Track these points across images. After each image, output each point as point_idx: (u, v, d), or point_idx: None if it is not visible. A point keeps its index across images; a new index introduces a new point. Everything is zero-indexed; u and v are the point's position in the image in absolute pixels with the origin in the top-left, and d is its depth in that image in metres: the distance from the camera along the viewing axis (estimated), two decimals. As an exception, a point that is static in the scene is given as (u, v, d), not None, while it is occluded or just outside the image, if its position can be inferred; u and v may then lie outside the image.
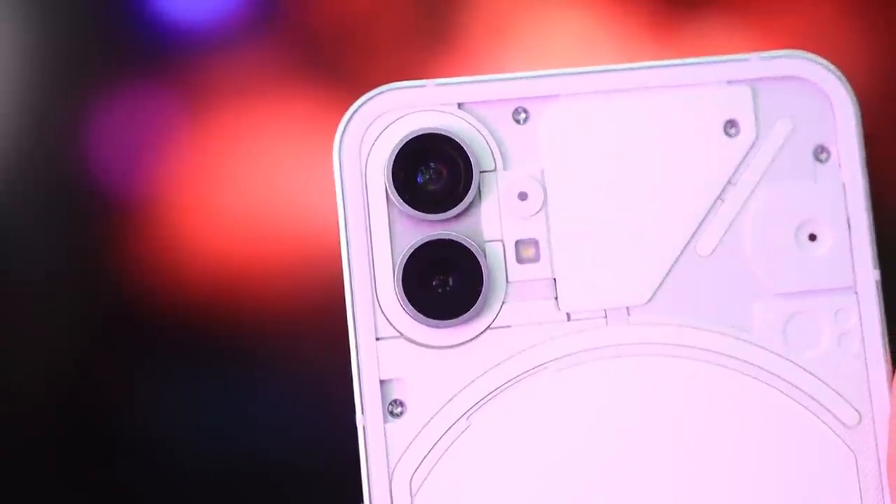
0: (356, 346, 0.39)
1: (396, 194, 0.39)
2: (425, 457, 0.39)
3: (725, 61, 0.41)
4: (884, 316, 0.41)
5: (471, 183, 0.40)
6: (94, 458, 0.88)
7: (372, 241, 0.39)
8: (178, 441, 0.89)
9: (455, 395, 0.39)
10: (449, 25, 0.89)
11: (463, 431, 0.39)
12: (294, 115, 0.87)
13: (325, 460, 0.86)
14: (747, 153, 0.41)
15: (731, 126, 0.41)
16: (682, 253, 0.40)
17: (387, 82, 0.40)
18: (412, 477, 0.39)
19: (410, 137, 0.39)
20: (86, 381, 0.88)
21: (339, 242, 0.39)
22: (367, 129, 0.40)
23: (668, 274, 0.40)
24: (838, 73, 0.41)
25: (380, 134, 0.40)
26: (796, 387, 0.40)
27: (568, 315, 0.40)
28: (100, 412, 0.88)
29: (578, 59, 0.87)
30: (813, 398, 0.40)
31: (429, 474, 0.39)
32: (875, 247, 0.41)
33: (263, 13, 0.91)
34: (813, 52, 0.41)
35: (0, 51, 0.88)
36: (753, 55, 0.41)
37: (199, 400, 0.89)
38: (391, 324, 0.39)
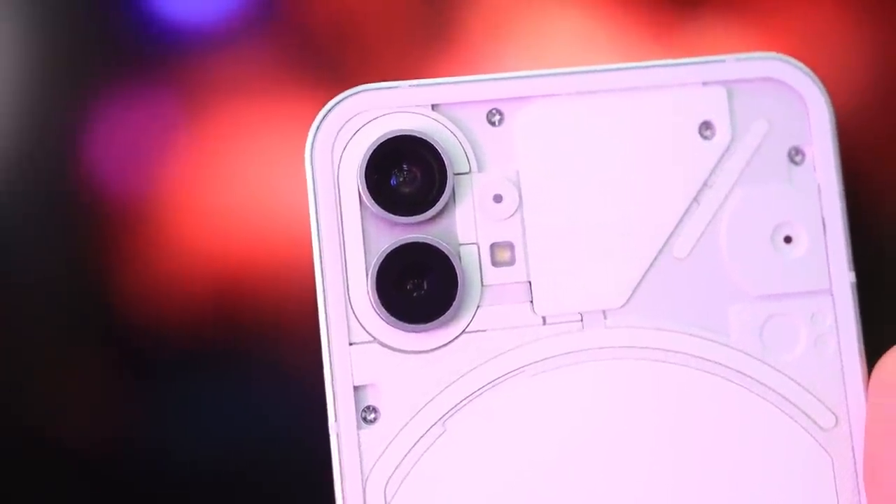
0: (329, 352, 0.39)
1: (370, 197, 0.39)
2: (400, 463, 0.39)
3: (701, 63, 0.41)
4: (859, 318, 0.40)
5: (445, 185, 0.39)
6: (91, 458, 0.88)
7: (345, 244, 0.39)
8: (174, 441, 0.89)
9: (430, 401, 0.39)
10: (448, 23, 0.88)
11: (438, 437, 0.39)
12: (293, 115, 0.86)
13: (322, 461, 0.86)
14: (723, 155, 0.40)
15: (706, 128, 0.41)
16: (658, 256, 0.40)
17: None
18: (387, 484, 0.39)
19: (384, 139, 0.39)
20: (83, 381, 0.88)
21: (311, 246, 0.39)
22: (339, 130, 0.40)
23: (644, 277, 0.40)
24: (812, 75, 0.41)
25: (353, 136, 0.40)
26: (773, 390, 0.40)
27: (544, 319, 0.40)
28: (97, 411, 0.88)
29: (578, 57, 0.87)
30: (789, 401, 0.40)
31: (403, 481, 0.39)
32: (850, 249, 0.41)
33: (262, 13, 0.90)
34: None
35: (0, 51, 0.88)
36: (729, 57, 0.41)
37: (198, 399, 0.89)
38: (364, 328, 0.39)
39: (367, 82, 0.40)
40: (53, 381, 0.88)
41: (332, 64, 0.88)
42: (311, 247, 0.39)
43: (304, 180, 0.39)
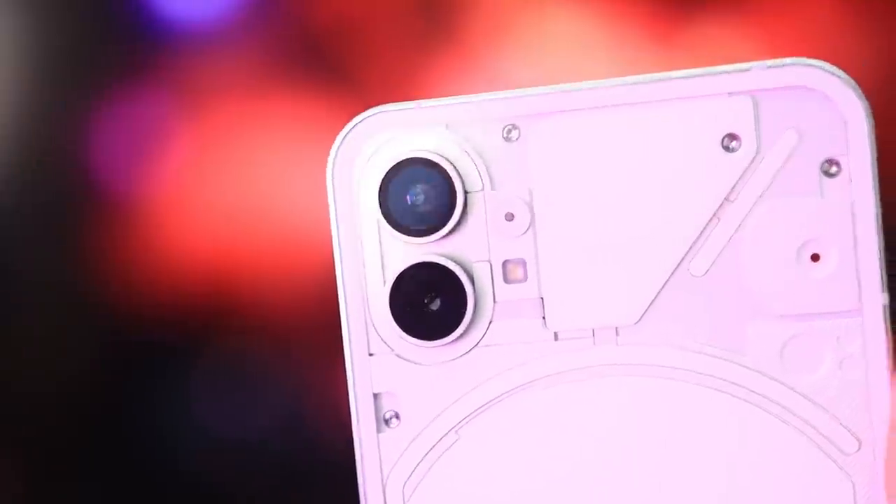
0: (351, 362, 0.41)
1: (384, 220, 0.40)
2: (417, 465, 0.41)
3: (725, 72, 0.39)
4: (890, 341, 0.38)
5: (455, 205, 0.40)
6: (88, 457, 0.91)
7: (364, 262, 0.41)
8: (168, 437, 0.90)
9: (445, 410, 0.41)
10: (448, 22, 0.84)
11: (453, 444, 0.41)
12: (291, 114, 0.85)
13: (315, 457, 0.86)
14: (747, 168, 0.39)
15: (730, 140, 0.39)
16: (673, 273, 0.39)
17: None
18: (405, 484, 0.41)
19: (395, 163, 0.40)
20: (82, 380, 0.90)
21: (334, 263, 0.41)
22: (357, 152, 0.41)
23: (658, 294, 0.39)
24: (851, 81, 0.38)
25: (370, 157, 0.41)
26: (791, 411, 0.39)
27: (556, 334, 0.40)
28: (95, 411, 0.91)
29: (580, 58, 0.82)
30: (809, 424, 0.39)
31: (420, 482, 0.41)
32: (884, 268, 0.38)
33: (259, 12, 0.88)
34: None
35: (0, 51, 0.89)
36: (755, 64, 0.38)
37: (193, 396, 0.90)
38: (383, 340, 0.41)
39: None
40: (53, 379, 0.91)
41: (331, 63, 0.85)
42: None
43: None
